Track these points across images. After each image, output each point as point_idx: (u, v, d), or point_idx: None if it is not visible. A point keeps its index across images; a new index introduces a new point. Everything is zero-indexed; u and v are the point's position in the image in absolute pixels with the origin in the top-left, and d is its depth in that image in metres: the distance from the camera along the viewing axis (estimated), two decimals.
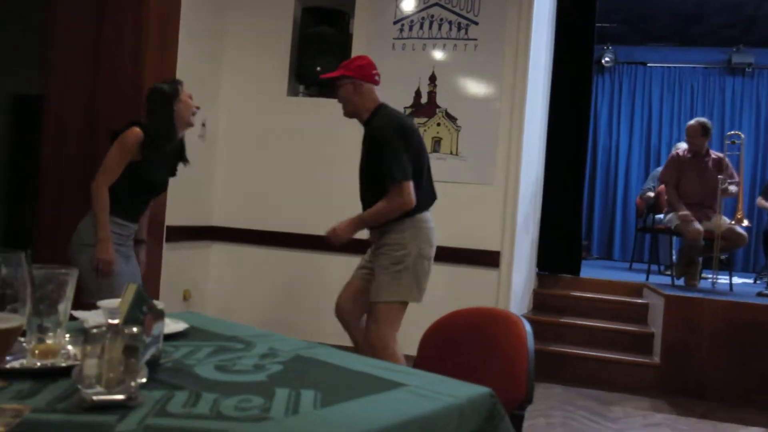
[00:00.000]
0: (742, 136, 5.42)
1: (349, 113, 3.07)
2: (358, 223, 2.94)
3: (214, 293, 4.76)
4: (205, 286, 4.73)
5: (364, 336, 2.94)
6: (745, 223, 4.96)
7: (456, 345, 1.76)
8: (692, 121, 5.33)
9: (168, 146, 2.93)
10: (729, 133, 5.27)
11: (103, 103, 3.90)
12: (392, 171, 2.77)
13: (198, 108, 3.01)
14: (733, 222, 4.95)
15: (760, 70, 8.47)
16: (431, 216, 2.95)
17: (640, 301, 5.11)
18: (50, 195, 3.99)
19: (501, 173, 4.38)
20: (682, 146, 6.03)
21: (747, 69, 8.43)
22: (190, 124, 2.99)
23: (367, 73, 3.02)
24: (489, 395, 1.20)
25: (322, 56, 4.65)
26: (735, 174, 5.15)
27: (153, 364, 1.14)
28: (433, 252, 2.94)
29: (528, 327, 1.65)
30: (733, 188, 5.04)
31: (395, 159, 2.78)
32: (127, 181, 2.82)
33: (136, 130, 2.79)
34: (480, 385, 1.26)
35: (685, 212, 5.03)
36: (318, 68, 4.66)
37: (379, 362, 1.38)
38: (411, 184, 2.80)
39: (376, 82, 3.03)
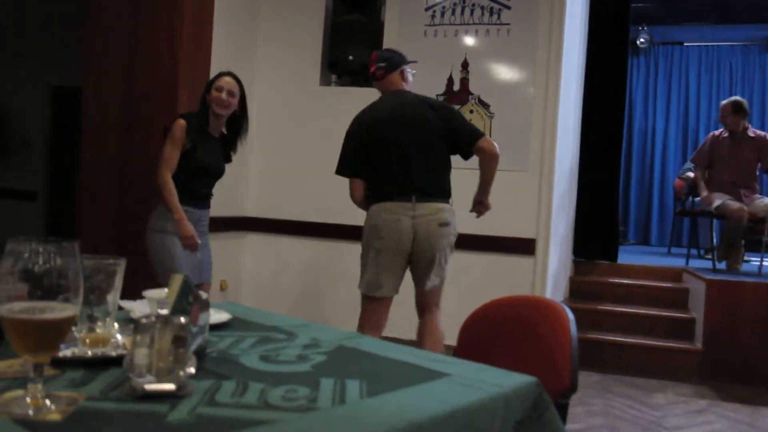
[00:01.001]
0: None
1: None
2: None
3: (250, 283, 4.81)
4: (240, 276, 4.78)
5: None
6: None
7: (497, 334, 1.75)
8: (725, 101, 5.20)
9: (208, 131, 3.19)
10: None
11: (139, 99, 3.97)
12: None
13: (224, 100, 3.17)
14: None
15: None
16: (395, 207, 2.90)
17: (680, 286, 5.03)
18: (90, 187, 4.07)
19: (535, 159, 4.32)
20: None
21: None
22: (218, 114, 3.18)
23: (369, 73, 3.18)
24: (535, 384, 1.19)
25: (354, 45, 4.64)
26: None
27: (200, 354, 1.15)
28: (381, 244, 2.91)
29: (570, 315, 1.63)
30: None
31: (341, 153, 3.09)
32: (182, 168, 3.08)
33: (180, 121, 3.08)
34: (523, 374, 1.25)
35: (705, 194, 4.97)
36: (350, 57, 4.66)
37: (423, 352, 1.37)
38: (352, 182, 3.03)
39: (375, 78, 3.14)
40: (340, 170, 3.08)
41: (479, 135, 2.96)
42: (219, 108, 3.14)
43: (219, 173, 3.29)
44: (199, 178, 3.17)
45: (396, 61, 3.13)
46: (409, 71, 3.16)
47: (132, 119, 3.96)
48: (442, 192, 2.97)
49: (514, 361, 1.49)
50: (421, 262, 2.95)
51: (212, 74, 4.10)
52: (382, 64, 3.11)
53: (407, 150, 2.93)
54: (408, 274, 3.05)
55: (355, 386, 1.08)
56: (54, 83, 6.11)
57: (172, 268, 2.95)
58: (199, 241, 3.11)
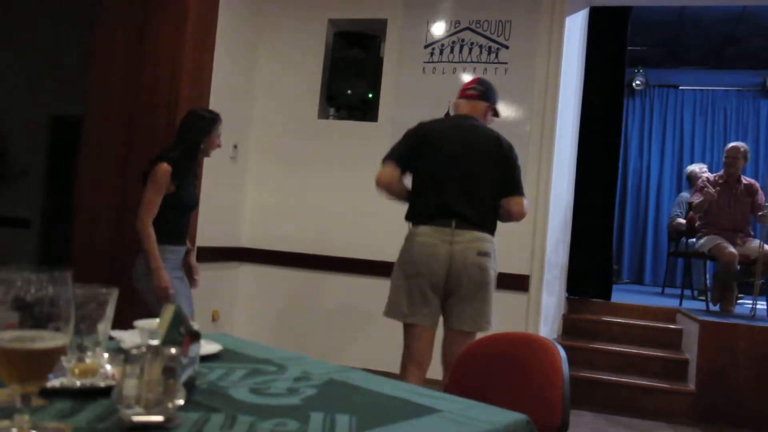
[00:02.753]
0: None
1: None
2: None
3: (243, 314, 4.78)
4: (233, 307, 4.76)
5: None
6: None
7: (489, 370, 1.75)
8: (735, 144, 5.26)
9: (192, 170, 3.22)
10: None
11: (138, 131, 4.00)
12: None
13: (220, 147, 3.29)
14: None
15: None
16: (432, 231, 2.79)
17: (673, 326, 5.01)
18: (85, 216, 4.07)
19: (530, 196, 4.33)
20: (694, 169, 5.98)
21: None
22: (207, 156, 3.30)
23: (461, 88, 3.15)
24: (525, 422, 1.19)
25: (353, 79, 4.70)
26: (765, 200, 5.07)
27: (189, 386, 1.14)
28: (413, 269, 2.79)
29: (563, 353, 1.63)
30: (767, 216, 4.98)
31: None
32: (168, 210, 3.07)
33: (165, 167, 3.03)
34: (514, 411, 1.24)
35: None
36: (348, 91, 4.71)
37: (414, 387, 1.37)
38: (385, 165, 2.90)
39: (465, 95, 3.08)
40: (388, 155, 2.93)
41: (520, 192, 2.90)
42: (210, 152, 3.23)
43: (197, 206, 3.38)
44: (184, 216, 3.21)
45: (491, 96, 3.07)
46: (491, 113, 3.10)
47: (130, 150, 3.98)
48: (484, 222, 2.84)
49: (506, 398, 1.48)
50: (454, 294, 2.79)
51: (212, 101, 4.18)
52: (480, 88, 3.06)
53: (457, 174, 2.84)
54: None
55: (344, 421, 1.07)
56: (54, 113, 6.16)
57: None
58: (173, 291, 3.07)
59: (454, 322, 2.84)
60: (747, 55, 7.93)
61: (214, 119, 3.20)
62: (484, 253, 2.78)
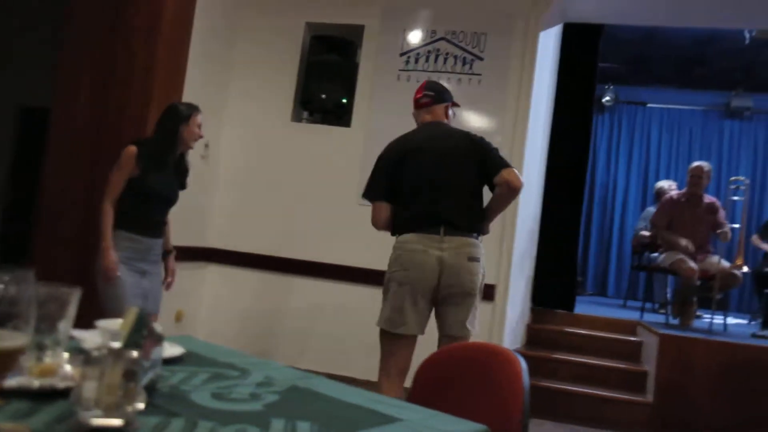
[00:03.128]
0: (747, 181, 5.46)
1: None
2: None
3: (207, 315, 4.74)
4: (198, 307, 4.71)
5: None
6: (745, 269, 5.02)
7: (451, 380, 1.76)
8: (700, 163, 5.40)
9: (166, 159, 3.13)
10: (733, 178, 5.33)
11: (109, 122, 3.94)
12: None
13: (202, 137, 3.25)
14: (731, 267, 5.00)
15: (758, 114, 8.57)
16: (421, 239, 2.75)
17: (633, 339, 5.11)
18: (50, 210, 3.99)
19: None
20: (663, 185, 6.11)
21: (746, 113, 8.53)
22: (189, 148, 3.23)
23: (413, 100, 3.09)
24: None
25: (328, 84, 4.71)
26: (724, 218, 5.22)
27: (150, 389, 1.14)
28: (405, 277, 2.75)
29: (524, 364, 1.65)
30: (727, 234, 5.13)
31: (369, 178, 2.96)
32: (131, 195, 3.02)
33: (130, 148, 3.02)
34: (474, 421, 1.26)
35: (683, 242, 5.06)
36: (323, 95, 4.72)
37: (376, 395, 1.38)
38: (375, 206, 2.91)
39: (419, 105, 3.06)
40: (368, 194, 2.92)
41: (505, 165, 2.85)
42: (193, 142, 3.18)
43: (172, 200, 3.23)
44: (149, 205, 3.11)
45: (444, 95, 3.06)
46: (452, 110, 3.10)
47: (100, 143, 3.92)
48: (471, 227, 2.83)
49: (467, 408, 1.50)
50: (446, 300, 2.78)
51: (185, 100, 4.13)
52: (431, 93, 3.03)
53: (439, 181, 2.83)
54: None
55: (305, 428, 1.07)
56: (24, 104, 6.04)
57: (117, 295, 2.95)
58: (119, 274, 2.98)
59: (447, 327, 2.81)
60: (713, 77, 8.14)
61: (190, 107, 3.17)
62: (474, 258, 2.78)
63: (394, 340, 2.81)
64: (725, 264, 5.06)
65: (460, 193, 2.85)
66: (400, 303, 2.76)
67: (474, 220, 2.86)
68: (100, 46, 3.98)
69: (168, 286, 3.31)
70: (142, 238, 3.09)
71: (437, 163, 2.85)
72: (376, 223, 2.92)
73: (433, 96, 3.02)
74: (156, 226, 3.18)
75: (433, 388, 1.77)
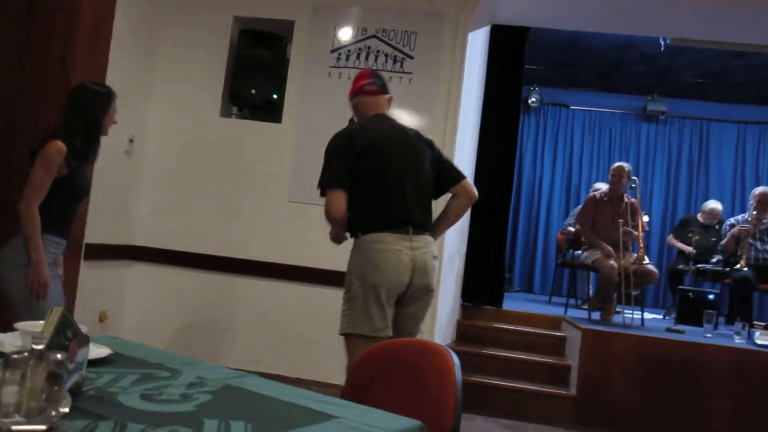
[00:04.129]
0: (637, 180, 5.73)
1: None
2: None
3: (132, 316, 4.58)
4: (122, 307, 4.55)
5: None
6: (646, 260, 5.27)
7: (384, 376, 1.77)
8: (620, 163, 5.63)
9: (92, 152, 2.88)
10: (632, 177, 5.62)
11: (25, 113, 3.74)
12: (320, 179, 2.73)
13: (116, 122, 2.96)
14: (635, 261, 5.24)
15: (672, 118, 9.02)
16: (394, 238, 2.66)
17: (558, 334, 5.28)
18: None
19: None
20: (600, 186, 6.34)
21: (660, 117, 8.96)
22: (105, 134, 2.93)
23: (353, 87, 2.94)
24: (419, 428, 1.22)
25: (257, 79, 4.63)
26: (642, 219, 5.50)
27: (75, 392, 1.09)
28: (378, 278, 2.63)
29: (456, 360, 1.68)
30: (635, 232, 5.38)
31: (324, 168, 2.74)
32: (58, 195, 2.74)
33: (59, 145, 2.69)
34: (408, 416, 1.27)
35: (608, 247, 5.29)
36: (252, 91, 4.65)
37: (310, 393, 1.37)
38: (333, 194, 2.67)
39: (365, 92, 2.90)
40: (326, 183, 2.70)
41: (464, 175, 2.90)
42: (107, 130, 2.91)
43: (88, 193, 3.05)
44: (76, 204, 2.88)
45: (388, 87, 2.97)
46: (390, 105, 3.00)
47: (13, 131, 3.72)
48: (430, 226, 2.83)
49: (401, 403, 1.51)
50: (411, 298, 2.72)
51: None
52: (378, 81, 2.92)
53: (404, 179, 2.74)
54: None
55: (240, 427, 1.06)
56: None
57: (43, 309, 2.65)
58: (57, 275, 2.79)
59: (405, 325, 2.76)
60: (630, 81, 8.52)
61: (109, 93, 2.89)
62: (435, 257, 2.79)
63: (366, 344, 2.53)
64: (646, 261, 5.30)
65: (422, 193, 2.81)
66: (380, 306, 2.64)
67: (431, 221, 2.86)
68: (12, 31, 3.78)
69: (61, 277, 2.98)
70: (62, 240, 2.86)
71: (400, 160, 2.77)
72: (336, 213, 2.68)
73: (380, 85, 2.93)
74: (72, 224, 2.93)
75: (368, 385, 1.77)
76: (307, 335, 4.33)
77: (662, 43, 6.54)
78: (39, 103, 3.73)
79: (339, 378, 2.95)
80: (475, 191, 2.90)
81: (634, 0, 4.80)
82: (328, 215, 2.70)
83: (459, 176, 2.89)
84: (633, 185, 5.56)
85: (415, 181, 2.78)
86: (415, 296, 2.73)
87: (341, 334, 2.71)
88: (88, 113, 2.82)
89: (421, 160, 2.83)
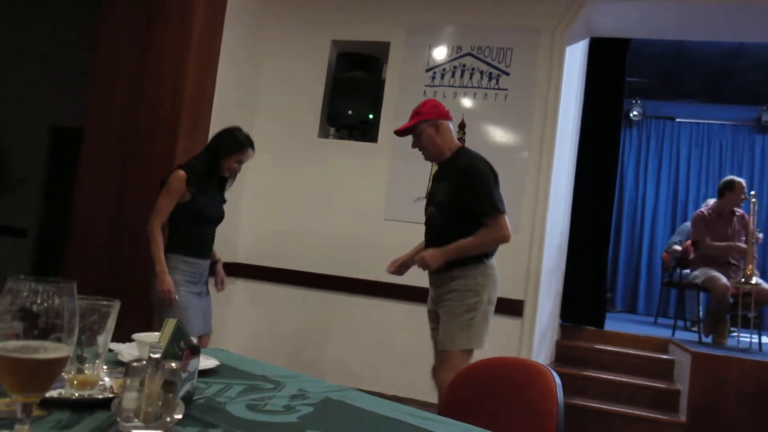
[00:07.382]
0: (755, 195, 5.35)
1: (432, 156, 3.09)
2: (448, 253, 2.88)
3: (236, 330, 4.76)
4: (226, 322, 4.74)
5: (437, 384, 2.91)
6: (754, 280, 4.89)
7: (484, 395, 1.75)
8: (740, 179, 5.31)
9: (213, 181, 3.20)
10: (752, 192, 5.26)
11: (138, 145, 4.01)
12: (494, 202, 2.86)
13: (236, 171, 3.30)
14: (742, 279, 4.88)
15: None
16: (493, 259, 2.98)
17: (665, 356, 5.01)
18: (81, 228, 4.06)
19: (527, 221, 4.37)
20: (711, 202, 6.00)
21: None
22: (225, 174, 3.27)
23: (442, 111, 3.07)
24: None
25: (354, 100, 4.75)
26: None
27: (187, 401, 1.15)
28: (495, 296, 2.97)
29: (557, 379, 1.63)
30: (742, 245, 5.04)
31: (494, 192, 2.89)
32: (183, 219, 3.07)
33: (180, 173, 3.06)
34: None
35: (742, 245, 5.00)
36: (349, 111, 4.75)
37: (409, 408, 1.37)
38: (507, 218, 2.90)
39: (451, 118, 3.10)
40: (504, 208, 2.93)
41: None
42: (229, 174, 3.25)
43: (221, 218, 3.32)
44: (202, 227, 3.18)
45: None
46: None
47: (130, 166, 4.00)
48: None
49: (500, 423, 1.48)
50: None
51: (213, 119, 4.20)
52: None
53: None
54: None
55: None
56: (56, 124, 6.18)
57: (180, 318, 2.95)
58: (178, 297, 3.05)
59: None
60: (742, 90, 8.04)
61: (242, 144, 3.19)
62: None
63: (469, 356, 2.89)
64: (760, 281, 4.95)
65: None
66: (488, 322, 2.95)
67: None
68: (131, 67, 4.07)
69: (219, 291, 3.42)
70: (198, 260, 3.16)
71: None
72: (509, 235, 2.93)
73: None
74: (209, 247, 3.25)
75: (466, 403, 1.75)
76: (403, 352, 4.34)
77: None
78: (153, 131, 4.00)
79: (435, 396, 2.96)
80: None
81: (747, 5, 4.54)
82: (505, 238, 2.90)
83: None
84: (753, 200, 5.21)
85: None
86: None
87: (460, 350, 2.86)
88: (215, 150, 3.18)
89: None
